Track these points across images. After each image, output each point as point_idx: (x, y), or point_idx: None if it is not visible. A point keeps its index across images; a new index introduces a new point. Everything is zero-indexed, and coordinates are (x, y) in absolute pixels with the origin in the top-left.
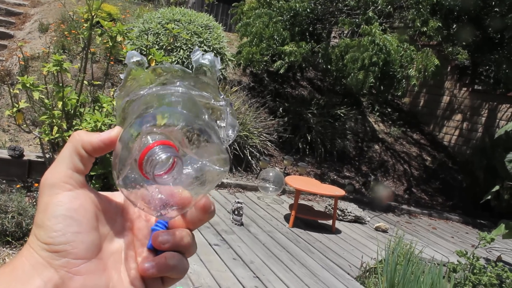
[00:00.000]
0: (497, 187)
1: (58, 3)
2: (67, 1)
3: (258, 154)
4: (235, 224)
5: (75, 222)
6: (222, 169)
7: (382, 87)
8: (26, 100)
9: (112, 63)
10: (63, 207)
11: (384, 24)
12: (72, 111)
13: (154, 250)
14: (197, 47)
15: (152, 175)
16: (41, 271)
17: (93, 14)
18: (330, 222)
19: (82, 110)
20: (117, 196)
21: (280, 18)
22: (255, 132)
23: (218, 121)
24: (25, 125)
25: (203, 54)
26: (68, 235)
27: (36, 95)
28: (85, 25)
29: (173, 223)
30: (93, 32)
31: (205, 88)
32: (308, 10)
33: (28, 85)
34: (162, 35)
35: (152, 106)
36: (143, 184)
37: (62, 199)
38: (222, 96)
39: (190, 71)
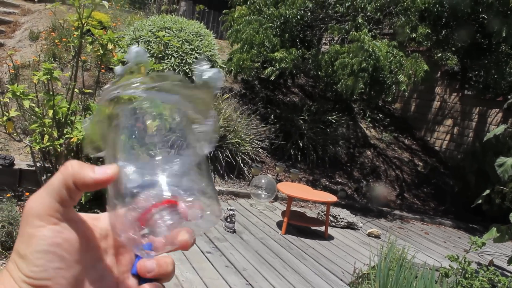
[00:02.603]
0: (488, 191)
1: (48, 11)
2: (58, 9)
3: (250, 161)
4: (228, 231)
5: (58, 257)
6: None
7: (372, 93)
8: (16, 108)
9: (103, 71)
10: (47, 241)
11: (373, 30)
12: (63, 120)
13: (138, 276)
14: (203, 56)
15: (154, 231)
16: None
17: (83, 22)
18: (322, 228)
19: (73, 118)
20: (102, 220)
21: (270, 24)
22: (246, 139)
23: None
24: (15, 134)
25: (206, 67)
26: (50, 271)
27: (26, 103)
28: (76, 33)
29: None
30: (83, 40)
31: (201, 104)
32: (298, 17)
33: (18, 93)
34: (153, 42)
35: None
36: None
37: (46, 233)
38: (212, 113)
39: (190, 83)
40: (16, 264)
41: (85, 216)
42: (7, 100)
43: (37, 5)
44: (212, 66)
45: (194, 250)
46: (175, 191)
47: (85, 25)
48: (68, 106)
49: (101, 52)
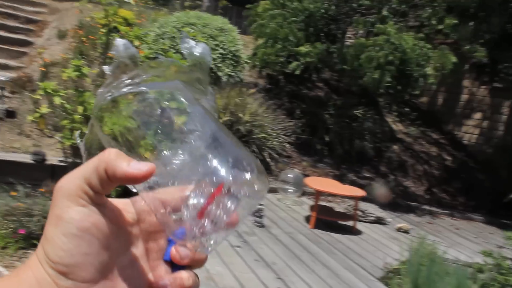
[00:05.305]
0: None
1: (75, 10)
2: (84, 7)
3: (276, 155)
4: (256, 225)
5: (85, 242)
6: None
7: (399, 87)
8: (47, 105)
9: None
10: (74, 225)
11: (399, 23)
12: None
13: (171, 263)
14: (185, 33)
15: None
16: None
17: (110, 20)
18: (351, 223)
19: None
20: (135, 204)
21: (294, 19)
22: (273, 134)
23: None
24: (47, 130)
25: (193, 45)
26: (77, 257)
27: (57, 100)
28: (103, 30)
29: None
30: (110, 37)
31: (198, 83)
32: (322, 10)
33: (49, 90)
34: (178, 38)
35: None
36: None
37: (74, 215)
38: (210, 90)
39: (184, 66)
40: (43, 248)
41: (116, 200)
42: (39, 97)
43: (64, 4)
44: (237, 62)
45: (224, 244)
46: (227, 170)
47: (111, 22)
48: None
49: None
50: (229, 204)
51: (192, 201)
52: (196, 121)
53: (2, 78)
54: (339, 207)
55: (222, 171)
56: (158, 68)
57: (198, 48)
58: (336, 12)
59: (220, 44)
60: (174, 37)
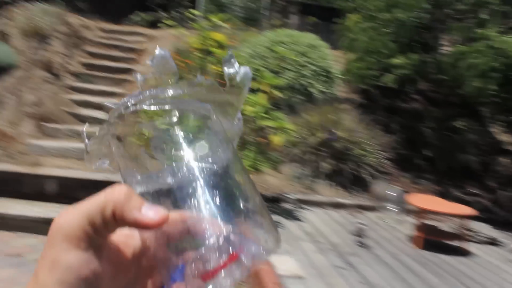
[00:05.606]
0: None
1: (171, 36)
2: (180, 34)
3: (375, 172)
4: (359, 245)
5: None
6: None
7: (505, 94)
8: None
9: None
10: (72, 273)
11: (501, 25)
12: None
13: None
14: (230, 53)
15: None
16: None
17: (204, 44)
18: (460, 244)
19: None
20: (135, 238)
21: (385, 30)
22: (370, 150)
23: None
24: (150, 152)
25: (237, 68)
26: None
27: (158, 123)
28: (198, 54)
29: None
30: (205, 60)
31: (231, 107)
32: (414, 19)
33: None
34: (270, 57)
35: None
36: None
37: (73, 261)
38: (239, 115)
39: (220, 88)
40: None
41: (117, 234)
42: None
43: (161, 32)
44: (329, 77)
45: (327, 265)
46: (238, 237)
47: (206, 46)
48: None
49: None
50: (237, 274)
51: (199, 262)
52: (216, 159)
53: (110, 105)
54: (445, 226)
55: (240, 240)
56: (192, 87)
57: (240, 72)
58: (429, 20)
59: (311, 61)
60: (265, 56)
